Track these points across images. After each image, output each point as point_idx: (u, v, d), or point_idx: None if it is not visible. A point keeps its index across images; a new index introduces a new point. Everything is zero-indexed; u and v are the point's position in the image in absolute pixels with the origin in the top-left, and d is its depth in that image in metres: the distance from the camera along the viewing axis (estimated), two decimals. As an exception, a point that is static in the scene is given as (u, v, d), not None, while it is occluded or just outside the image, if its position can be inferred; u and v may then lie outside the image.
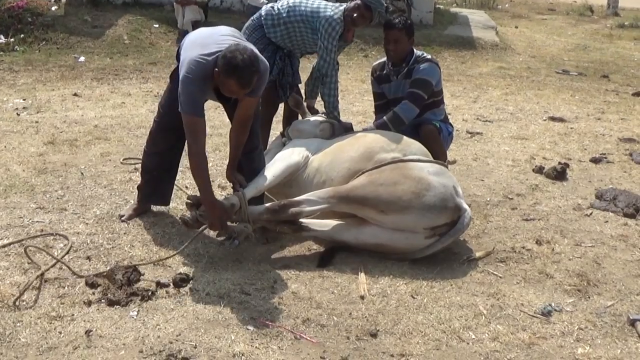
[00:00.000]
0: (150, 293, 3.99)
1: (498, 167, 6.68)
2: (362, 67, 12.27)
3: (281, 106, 6.27)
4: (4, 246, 4.47)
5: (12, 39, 11.85)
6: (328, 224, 4.64)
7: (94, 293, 3.99)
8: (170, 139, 4.86)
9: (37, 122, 7.54)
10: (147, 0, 14.35)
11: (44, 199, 5.29)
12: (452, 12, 18.30)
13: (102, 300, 3.90)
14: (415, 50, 5.60)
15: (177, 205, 5.28)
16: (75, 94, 9.06)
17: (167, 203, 5.20)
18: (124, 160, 6.32)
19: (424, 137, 5.28)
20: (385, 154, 4.71)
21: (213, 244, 4.70)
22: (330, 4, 5.76)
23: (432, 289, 4.21)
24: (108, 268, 4.22)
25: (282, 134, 5.67)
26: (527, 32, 17.91)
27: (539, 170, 6.52)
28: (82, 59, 11.43)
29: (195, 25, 12.89)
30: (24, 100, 8.61)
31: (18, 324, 3.60)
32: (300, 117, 5.91)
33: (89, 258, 4.42)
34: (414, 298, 4.09)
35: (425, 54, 5.61)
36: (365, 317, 3.85)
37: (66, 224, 4.90)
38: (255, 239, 4.68)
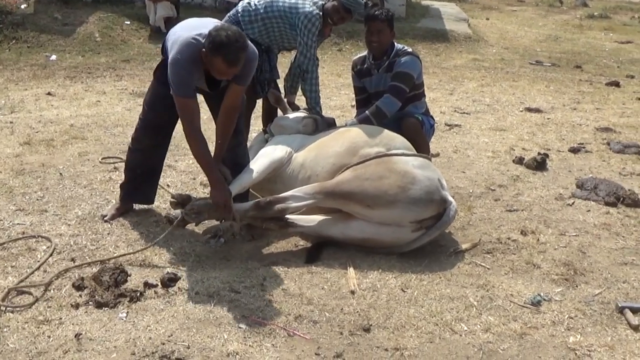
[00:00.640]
0: (138, 294, 3.93)
1: (478, 159, 6.71)
2: (337, 61, 12.28)
3: (259, 102, 6.23)
4: (-14, 250, 4.40)
5: (-20, 39, 11.67)
6: (314, 219, 4.62)
7: (80, 295, 3.92)
8: (155, 136, 4.82)
9: (11, 122, 7.43)
10: (118, -3, 14.21)
11: (23, 201, 5.21)
12: (423, 5, 18.35)
13: (90, 303, 3.83)
14: (396, 43, 5.59)
15: (160, 204, 5.22)
16: (49, 93, 8.95)
17: (150, 202, 5.15)
18: (102, 159, 6.25)
19: (406, 131, 5.27)
20: (370, 149, 4.69)
21: (199, 242, 4.66)
22: None
23: (421, 282, 4.21)
24: (94, 270, 4.17)
25: (265, 131, 5.63)
26: (498, 23, 18.02)
27: (519, 161, 6.55)
28: (53, 57, 11.29)
29: (167, 21, 12.81)
30: (-3, 100, 8.48)
31: (5, 329, 3.54)
32: (280, 113, 5.87)
33: (73, 260, 4.35)
34: (404, 291, 4.08)
35: (406, 47, 5.60)
36: (357, 312, 3.84)
37: (48, 225, 4.82)
38: (241, 237, 4.65)
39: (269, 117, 6.20)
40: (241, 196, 4.71)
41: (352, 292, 4.05)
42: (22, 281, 4.02)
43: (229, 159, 4.75)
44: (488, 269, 4.45)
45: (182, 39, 4.23)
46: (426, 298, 4.02)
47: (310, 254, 4.53)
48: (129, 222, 4.93)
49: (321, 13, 5.62)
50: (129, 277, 4.12)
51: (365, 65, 5.70)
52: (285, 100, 5.98)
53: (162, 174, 5.31)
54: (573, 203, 5.61)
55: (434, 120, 5.91)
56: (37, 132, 7.09)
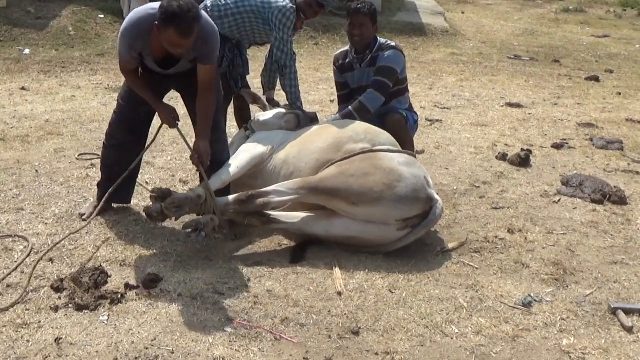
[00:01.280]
0: (119, 296, 3.81)
1: (461, 155, 6.63)
2: (314, 55, 12.16)
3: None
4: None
5: (-49, 32, 11.40)
6: (297, 216, 4.51)
7: (60, 297, 3.79)
8: (130, 131, 4.72)
9: (-16, 118, 7.24)
10: (92, -10, 13.95)
11: (-2, 199, 5.06)
12: (399, -2, 18.25)
13: (70, 305, 3.71)
14: (378, 37, 5.49)
15: (139, 202, 5.09)
16: (22, 88, 8.74)
17: (128, 201, 5.02)
18: (79, 155, 6.10)
19: (390, 127, 5.17)
20: (354, 145, 4.60)
21: (180, 241, 4.55)
22: None
23: (409, 283, 4.12)
24: (73, 270, 4.04)
25: (245, 128, 5.50)
26: (474, 17, 18.00)
27: (503, 157, 6.49)
28: (27, 51, 11.05)
29: (142, 14, 12.62)
30: (-31, 95, 8.26)
31: (-18, 334, 3.40)
32: (253, 110, 5.73)
33: (51, 260, 4.21)
34: (392, 292, 3.99)
35: (389, 42, 5.51)
36: (345, 314, 3.74)
37: (24, 224, 4.67)
38: (223, 236, 4.54)
39: (240, 113, 6.11)
40: (222, 192, 4.59)
41: (339, 294, 3.95)
42: (-1, 282, 3.89)
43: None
44: (477, 268, 4.38)
45: (138, 10, 4.24)
46: (415, 299, 3.93)
47: (294, 253, 4.43)
48: (107, 221, 4.79)
49: (295, 7, 5.52)
50: (109, 278, 4.00)
51: (347, 60, 5.60)
52: (265, 97, 5.87)
53: (141, 170, 5.17)
54: (559, 200, 5.55)
55: (417, 116, 5.83)
56: (11, 127, 6.90)
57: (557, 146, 6.99)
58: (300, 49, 12.33)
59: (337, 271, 4.19)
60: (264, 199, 4.36)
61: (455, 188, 5.70)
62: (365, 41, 5.42)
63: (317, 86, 9.61)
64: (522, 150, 6.58)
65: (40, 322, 3.54)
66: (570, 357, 3.49)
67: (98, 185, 4.97)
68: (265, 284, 4.03)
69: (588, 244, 4.80)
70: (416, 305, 3.86)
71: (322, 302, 3.86)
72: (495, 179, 5.98)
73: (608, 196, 5.60)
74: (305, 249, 4.47)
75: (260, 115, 5.47)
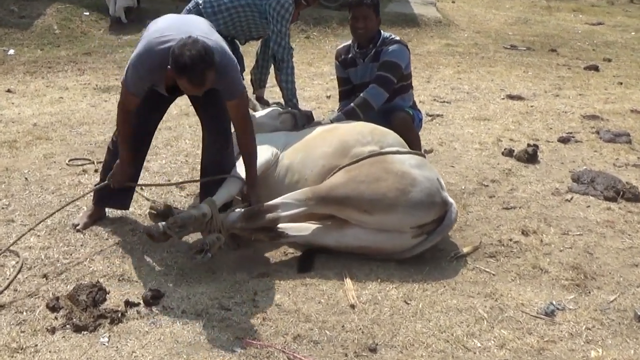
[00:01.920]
0: (119, 314, 3.58)
1: (466, 152, 6.41)
2: (306, 49, 11.92)
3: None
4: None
5: None
6: (306, 228, 4.25)
7: (56, 318, 3.56)
8: (139, 142, 4.48)
9: (-31, 122, 6.97)
10: (76, -13, 13.64)
11: (-14, 210, 4.81)
12: (390, -12, 18.00)
13: (67, 326, 3.48)
14: (382, 31, 5.28)
15: (135, 210, 4.86)
16: (8, 90, 8.46)
17: (126, 207, 4.77)
18: (69, 161, 5.83)
19: (397, 126, 4.95)
20: (362, 148, 4.37)
21: (180, 253, 4.32)
22: None
23: (425, 292, 3.91)
24: (68, 287, 3.82)
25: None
26: (464, 6, 17.71)
27: (509, 153, 6.27)
28: (11, 51, 10.75)
29: (128, 12, 12.35)
30: (-47, 99, 7.98)
31: (-27, 362, 3.18)
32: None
33: (45, 276, 3.98)
34: (407, 304, 3.78)
35: (393, 36, 5.30)
36: (360, 329, 3.53)
37: (15, 237, 4.38)
38: (225, 246, 4.28)
39: None
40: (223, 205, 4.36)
41: (352, 307, 3.73)
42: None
43: (211, 161, 4.43)
44: (493, 275, 4.17)
45: (149, 40, 3.98)
46: (432, 311, 3.73)
47: (302, 262, 4.21)
48: (103, 232, 4.56)
49: None
50: (107, 295, 3.78)
51: (350, 55, 5.39)
52: (254, 95, 5.66)
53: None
54: (571, 198, 5.35)
55: (422, 114, 5.63)
56: (-2, 132, 6.64)
57: (564, 140, 6.78)
58: (291, 43, 12.08)
59: (348, 282, 3.98)
60: (272, 214, 4.12)
61: (463, 187, 5.48)
62: (369, 34, 5.20)
63: (312, 81, 9.37)
64: (529, 145, 6.36)
65: (36, 345, 3.33)
66: (600, 370, 3.31)
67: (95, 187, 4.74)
68: (274, 297, 3.81)
69: (606, 245, 4.60)
70: (434, 318, 3.65)
71: (335, 316, 3.64)
72: (503, 177, 5.76)
73: (621, 193, 5.40)
74: (312, 258, 4.24)
75: (253, 116, 5.22)
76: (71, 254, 4.25)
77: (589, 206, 5.21)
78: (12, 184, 5.29)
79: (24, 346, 3.31)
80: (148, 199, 5.03)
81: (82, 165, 5.74)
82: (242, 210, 4.20)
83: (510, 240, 4.61)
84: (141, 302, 3.72)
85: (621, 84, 9.67)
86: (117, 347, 3.33)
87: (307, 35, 12.92)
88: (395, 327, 3.56)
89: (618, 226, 4.89)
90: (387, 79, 5.12)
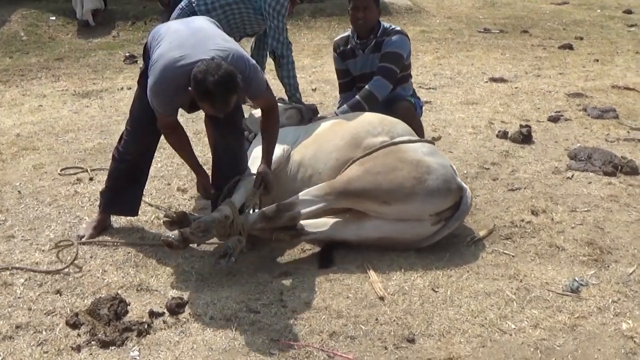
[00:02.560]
0: (146, 326, 3.48)
1: (461, 136, 6.41)
2: (297, 43, 11.81)
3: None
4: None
5: None
6: (325, 223, 4.20)
7: (79, 335, 3.43)
8: (144, 144, 4.42)
9: (-52, 138, 6.77)
10: (40, -8, 13.38)
11: (-18, 227, 4.65)
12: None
13: (93, 342, 3.36)
14: (382, 22, 5.24)
15: (140, 217, 4.76)
16: (-17, 102, 8.26)
17: (134, 213, 4.67)
18: (61, 170, 5.69)
19: (400, 115, 4.89)
20: (373, 138, 4.33)
21: (195, 257, 4.25)
22: None
23: (450, 279, 3.90)
24: (86, 301, 3.71)
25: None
26: (431, -8, 17.76)
27: (504, 135, 6.29)
28: (-21, 61, 10.54)
29: (96, 14, 12.15)
30: None
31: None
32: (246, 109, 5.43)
33: (59, 292, 3.85)
34: (435, 292, 3.76)
35: (393, 26, 5.26)
36: (394, 320, 3.50)
37: (19, 253, 4.29)
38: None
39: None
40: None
41: (382, 299, 3.70)
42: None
43: (226, 160, 4.35)
44: (513, 256, 4.18)
45: (166, 63, 3.81)
46: (461, 296, 3.71)
47: (322, 258, 4.16)
48: (110, 242, 4.44)
49: None
50: (129, 307, 3.67)
51: (348, 46, 5.33)
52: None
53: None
54: (572, 176, 5.37)
55: (421, 102, 5.62)
56: (-20, 146, 6.46)
57: (554, 119, 6.82)
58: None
59: (372, 274, 3.94)
60: (292, 212, 4.07)
61: (465, 172, 5.47)
62: (370, 25, 5.15)
63: (298, 73, 9.26)
64: (521, 126, 6.38)
65: (63, 365, 3.22)
66: (634, 341, 3.33)
67: (101, 193, 4.65)
68: (300, 295, 3.76)
69: (614, 219, 4.63)
70: (464, 303, 3.64)
71: (366, 309, 3.61)
72: (502, 159, 5.77)
73: (619, 167, 5.44)
74: (332, 252, 4.20)
75: (256, 112, 5.16)
76: (82, 267, 4.14)
77: (590, 182, 5.24)
78: (5, 198, 5.14)
79: (50, 367, 3.20)
80: (151, 205, 4.95)
81: (75, 174, 5.61)
82: (261, 210, 4.13)
83: (522, 220, 4.62)
84: (165, 311, 3.63)
85: (597, 60, 9.75)
86: None
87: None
88: (429, 315, 3.54)
89: (622, 200, 4.93)
90: (391, 70, 5.08)
